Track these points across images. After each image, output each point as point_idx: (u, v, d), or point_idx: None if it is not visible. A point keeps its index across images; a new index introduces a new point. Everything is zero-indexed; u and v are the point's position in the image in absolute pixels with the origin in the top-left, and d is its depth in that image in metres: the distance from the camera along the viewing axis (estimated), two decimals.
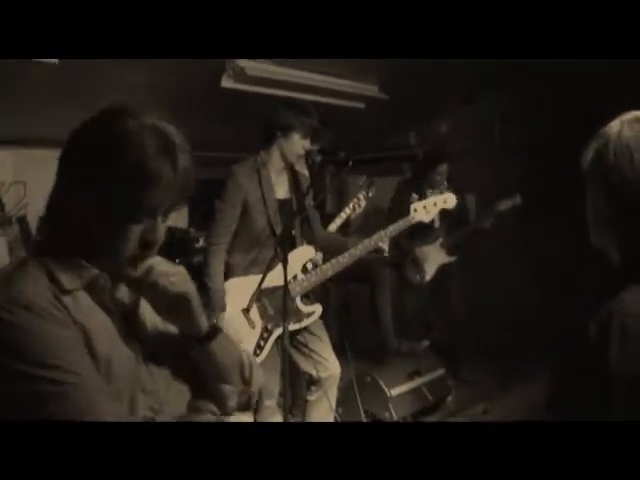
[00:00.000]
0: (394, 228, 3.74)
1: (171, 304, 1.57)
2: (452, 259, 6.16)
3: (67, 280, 1.46)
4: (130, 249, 1.49)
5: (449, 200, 3.85)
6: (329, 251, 3.88)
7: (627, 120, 1.62)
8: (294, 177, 3.83)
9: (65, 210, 1.50)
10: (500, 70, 5.72)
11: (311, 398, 3.93)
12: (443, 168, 5.88)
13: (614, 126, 1.64)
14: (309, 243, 3.87)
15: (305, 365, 3.81)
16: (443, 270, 6.16)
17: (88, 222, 1.47)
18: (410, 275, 6.16)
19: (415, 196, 3.89)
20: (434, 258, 6.12)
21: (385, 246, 3.73)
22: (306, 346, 3.85)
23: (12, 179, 6.17)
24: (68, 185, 1.49)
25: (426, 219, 3.83)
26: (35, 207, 6.32)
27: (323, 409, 3.95)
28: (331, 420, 3.95)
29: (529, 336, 5.90)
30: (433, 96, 6.41)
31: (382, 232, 3.73)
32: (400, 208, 3.96)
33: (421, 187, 5.88)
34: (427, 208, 3.78)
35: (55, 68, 4.03)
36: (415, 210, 3.77)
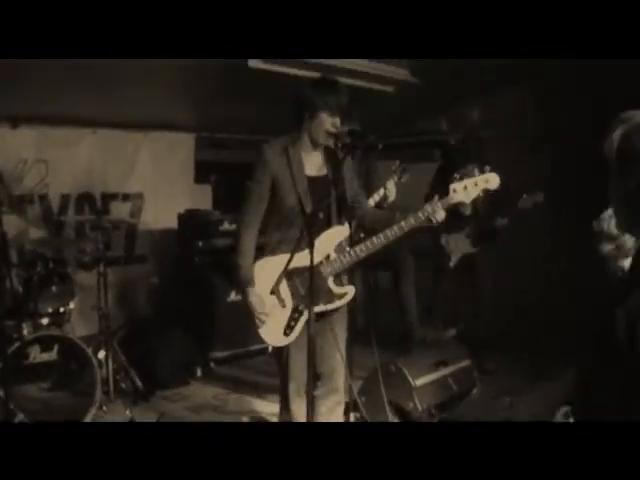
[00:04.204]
0: (430, 208, 3.57)
1: None
2: (475, 250, 6.08)
3: None
4: None
5: (491, 180, 3.58)
6: (376, 227, 3.75)
7: None
8: (329, 155, 3.71)
9: None
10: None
11: (317, 393, 3.80)
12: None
13: None
14: (350, 221, 3.75)
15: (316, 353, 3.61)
16: (467, 260, 6.08)
17: None
18: (435, 260, 6.12)
19: (457, 176, 3.66)
20: (460, 247, 6.04)
21: (439, 217, 3.55)
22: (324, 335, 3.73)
23: (34, 157, 6.13)
24: None
25: (467, 199, 3.61)
26: (57, 186, 6.29)
27: (329, 408, 3.85)
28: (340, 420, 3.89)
29: (556, 331, 5.80)
30: (465, 82, 6.29)
31: (417, 213, 3.55)
32: (440, 191, 3.73)
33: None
34: (467, 188, 3.58)
35: None
36: (454, 190, 3.57)
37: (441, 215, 3.54)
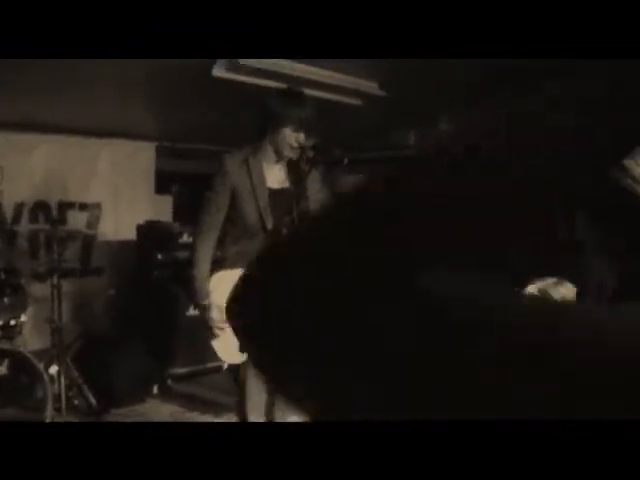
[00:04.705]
0: None
1: None
2: None
3: None
4: None
5: None
6: None
7: None
8: (292, 168, 3.63)
9: None
10: (507, 68, 5.58)
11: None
12: None
13: None
14: None
15: None
16: None
17: None
18: None
19: None
20: None
21: None
22: None
23: None
24: None
25: None
26: (11, 193, 6.09)
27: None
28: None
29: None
30: (435, 94, 6.23)
31: None
32: None
33: None
34: None
35: None
36: None
37: None
